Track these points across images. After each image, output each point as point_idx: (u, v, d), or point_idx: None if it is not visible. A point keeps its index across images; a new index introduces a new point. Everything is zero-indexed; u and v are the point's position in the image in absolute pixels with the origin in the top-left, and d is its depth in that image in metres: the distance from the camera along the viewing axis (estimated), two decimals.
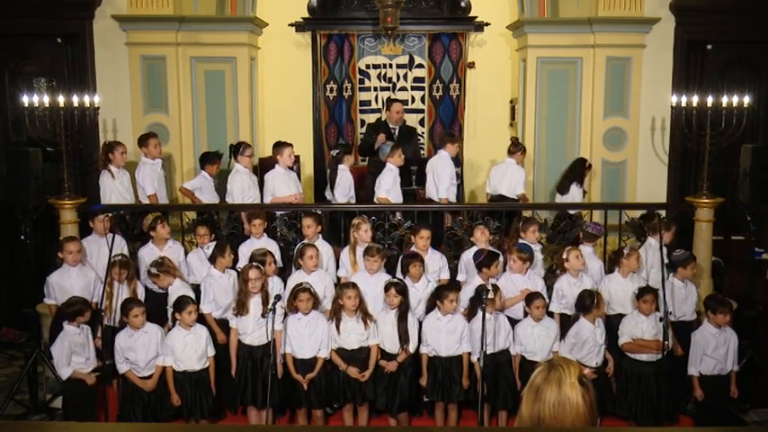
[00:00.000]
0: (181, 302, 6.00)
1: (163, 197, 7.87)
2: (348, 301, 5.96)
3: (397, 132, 8.80)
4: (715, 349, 6.04)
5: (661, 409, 6.05)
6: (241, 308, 6.08)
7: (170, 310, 6.27)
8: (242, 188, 7.66)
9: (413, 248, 6.70)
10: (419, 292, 6.30)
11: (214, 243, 6.64)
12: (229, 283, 6.38)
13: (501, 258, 6.56)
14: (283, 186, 7.68)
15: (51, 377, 6.45)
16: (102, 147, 7.85)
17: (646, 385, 6.07)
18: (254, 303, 6.08)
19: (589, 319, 6.02)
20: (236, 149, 7.86)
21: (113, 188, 7.57)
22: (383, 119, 9.09)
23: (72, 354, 5.90)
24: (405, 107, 9.79)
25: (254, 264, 6.19)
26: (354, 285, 6.06)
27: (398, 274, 6.51)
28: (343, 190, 7.85)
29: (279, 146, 7.80)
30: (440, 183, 7.71)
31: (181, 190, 7.98)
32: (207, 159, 7.94)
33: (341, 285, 6.21)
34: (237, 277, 6.33)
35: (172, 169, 8.64)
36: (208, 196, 7.84)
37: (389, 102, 9.04)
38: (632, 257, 6.47)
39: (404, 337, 6.01)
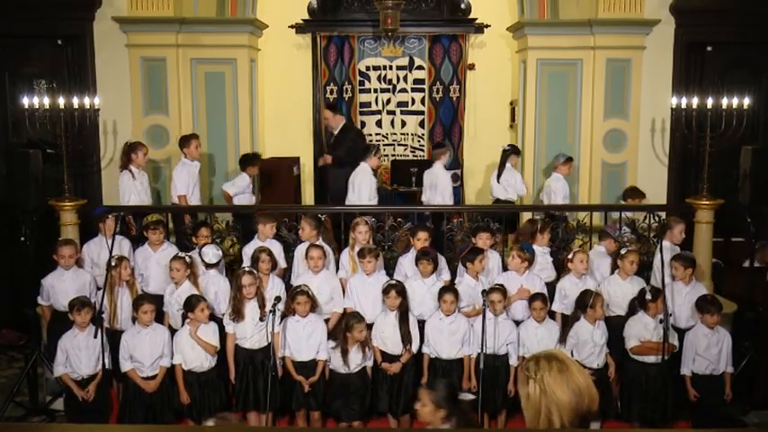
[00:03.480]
0: (192, 300, 5.99)
1: (197, 199, 7.96)
2: (358, 335, 5.88)
3: (333, 138, 8.85)
4: (707, 349, 6.05)
5: (668, 410, 6.04)
6: (237, 314, 6.05)
7: (179, 313, 6.25)
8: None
9: (412, 251, 6.70)
10: (426, 287, 6.27)
11: (205, 245, 6.57)
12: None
13: (486, 254, 6.54)
14: (368, 188, 7.89)
15: (51, 378, 6.45)
16: (123, 147, 7.91)
17: (653, 387, 6.05)
18: (251, 308, 6.06)
19: (588, 320, 6.02)
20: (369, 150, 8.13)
21: (133, 188, 7.65)
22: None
23: (67, 356, 5.93)
24: (405, 108, 9.85)
25: (246, 269, 6.16)
26: (362, 319, 5.98)
27: (408, 271, 6.51)
28: (514, 185, 8.17)
29: (371, 149, 8.16)
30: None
31: (225, 196, 8.13)
32: (248, 161, 8.10)
33: (350, 316, 6.05)
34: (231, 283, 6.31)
35: (171, 171, 8.62)
36: (246, 198, 8.00)
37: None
38: (626, 260, 6.46)
39: (406, 338, 6.01)
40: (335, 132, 8.78)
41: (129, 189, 7.63)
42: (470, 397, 4.39)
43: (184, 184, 7.82)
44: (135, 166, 7.70)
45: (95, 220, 6.95)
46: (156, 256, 6.75)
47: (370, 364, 6.04)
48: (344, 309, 6.39)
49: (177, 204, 7.90)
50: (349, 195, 7.95)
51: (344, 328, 5.93)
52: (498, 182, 8.36)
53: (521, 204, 8.57)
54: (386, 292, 6.05)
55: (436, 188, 8.14)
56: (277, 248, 6.80)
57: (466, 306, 6.25)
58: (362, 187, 7.83)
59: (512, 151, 8.39)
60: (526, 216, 8.15)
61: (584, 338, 6.01)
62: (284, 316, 6.04)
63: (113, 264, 6.27)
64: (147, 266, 6.75)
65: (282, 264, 6.83)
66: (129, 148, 7.76)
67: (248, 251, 6.70)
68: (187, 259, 6.38)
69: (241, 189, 8.05)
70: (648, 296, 6.08)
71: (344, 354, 5.90)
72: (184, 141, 7.93)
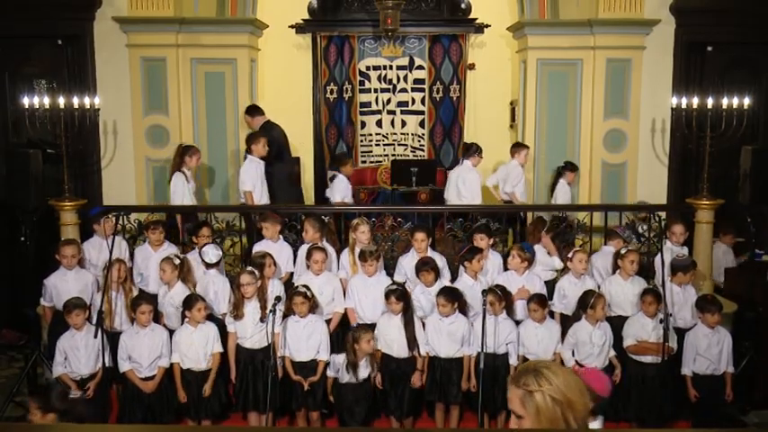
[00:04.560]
0: (190, 299, 6.00)
1: (266, 197, 8.00)
2: (366, 345, 5.84)
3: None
4: (707, 349, 6.04)
5: (665, 410, 6.04)
6: (236, 312, 6.05)
7: (174, 313, 6.28)
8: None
9: (412, 251, 6.70)
10: (433, 296, 6.20)
11: (205, 245, 6.58)
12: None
13: (485, 253, 6.54)
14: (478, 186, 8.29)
15: (51, 378, 6.44)
16: (176, 149, 7.96)
17: (651, 387, 6.05)
18: (253, 307, 6.05)
19: (589, 321, 6.01)
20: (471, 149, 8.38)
21: (185, 190, 7.69)
22: None
23: (65, 356, 5.93)
24: (405, 108, 9.84)
25: (246, 269, 6.16)
26: (369, 330, 5.95)
27: (409, 272, 6.52)
28: (564, 197, 8.38)
29: (473, 148, 8.49)
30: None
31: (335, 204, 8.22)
32: (340, 161, 8.29)
33: (356, 329, 6.02)
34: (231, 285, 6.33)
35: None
36: (342, 196, 8.13)
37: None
38: (626, 259, 6.45)
39: (413, 343, 5.98)
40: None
41: (182, 191, 7.67)
42: (77, 394, 4.72)
43: (251, 180, 7.83)
44: (187, 168, 7.75)
45: (91, 221, 6.95)
46: (156, 255, 6.74)
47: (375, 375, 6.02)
48: (345, 309, 6.39)
49: (177, 205, 7.90)
50: (462, 192, 8.18)
51: (352, 340, 5.87)
52: (552, 195, 8.54)
53: (522, 205, 8.56)
54: (386, 297, 6.02)
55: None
56: (286, 253, 6.79)
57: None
58: (474, 185, 8.15)
59: (567, 168, 8.44)
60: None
61: (582, 339, 6.00)
62: (285, 316, 6.04)
63: (115, 266, 6.27)
64: (147, 266, 6.75)
65: (290, 268, 6.81)
66: (182, 151, 7.81)
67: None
68: (176, 261, 6.38)
69: (343, 191, 8.17)
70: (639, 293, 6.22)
71: (354, 367, 5.87)
72: (253, 139, 7.97)
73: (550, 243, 6.92)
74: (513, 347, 6.06)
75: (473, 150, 8.45)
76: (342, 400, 5.98)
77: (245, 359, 6.06)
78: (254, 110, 8.56)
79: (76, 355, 5.92)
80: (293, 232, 7.30)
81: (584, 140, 8.71)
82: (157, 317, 6.28)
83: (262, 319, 5.99)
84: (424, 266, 6.31)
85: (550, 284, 6.66)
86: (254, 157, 7.90)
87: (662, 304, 5.99)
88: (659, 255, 6.53)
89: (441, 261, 6.70)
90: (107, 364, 5.93)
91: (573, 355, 6.04)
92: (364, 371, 5.92)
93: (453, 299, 6.02)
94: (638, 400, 6.06)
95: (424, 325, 6.12)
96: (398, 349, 6.01)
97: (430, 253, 6.68)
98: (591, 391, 3.90)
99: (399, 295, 5.99)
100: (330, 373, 5.99)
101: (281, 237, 6.91)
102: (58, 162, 7.59)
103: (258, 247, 6.74)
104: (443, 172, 9.34)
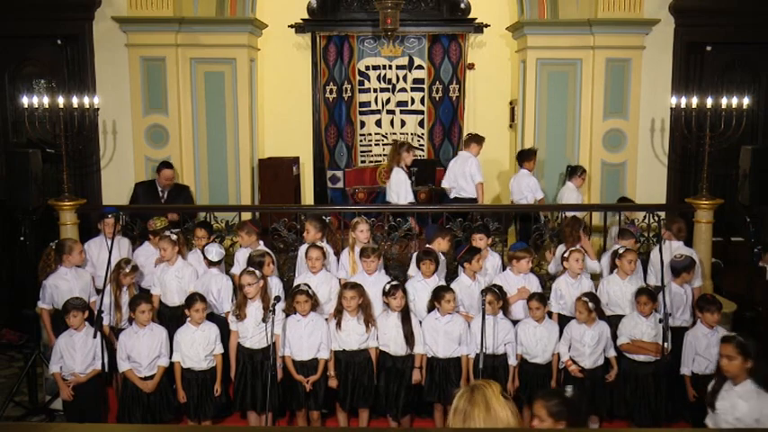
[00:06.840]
0: (191, 299, 6.01)
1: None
2: (345, 301, 5.94)
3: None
4: (706, 349, 6.03)
5: (660, 409, 6.04)
6: (239, 312, 6.06)
7: (179, 283, 6.42)
8: None
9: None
10: (429, 287, 6.24)
11: (207, 244, 6.61)
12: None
13: (483, 253, 6.54)
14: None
15: (50, 378, 6.45)
16: (392, 146, 8.46)
17: (644, 385, 6.05)
18: (255, 308, 6.05)
19: (587, 323, 6.00)
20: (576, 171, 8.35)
21: (408, 184, 8.20)
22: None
23: (61, 355, 5.93)
24: (405, 108, 9.85)
25: (248, 269, 6.18)
26: (354, 286, 6.03)
27: (411, 270, 6.56)
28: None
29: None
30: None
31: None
32: (525, 156, 8.34)
33: (342, 286, 6.17)
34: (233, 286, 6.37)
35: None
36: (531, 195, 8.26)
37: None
38: (624, 259, 6.46)
39: (411, 340, 5.99)
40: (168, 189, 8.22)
41: (406, 184, 8.12)
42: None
43: (479, 173, 8.29)
44: (404, 163, 8.17)
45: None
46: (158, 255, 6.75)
47: (373, 344, 6.03)
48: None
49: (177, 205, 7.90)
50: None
51: (339, 296, 6.02)
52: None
53: (521, 205, 8.56)
54: (390, 293, 5.99)
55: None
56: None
57: (462, 308, 6.24)
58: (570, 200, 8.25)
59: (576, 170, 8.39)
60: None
61: (575, 336, 6.02)
62: (285, 315, 6.04)
63: (127, 270, 6.29)
64: (148, 265, 6.76)
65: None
66: (399, 147, 8.28)
67: (239, 256, 6.78)
68: (173, 237, 6.47)
69: (536, 185, 8.28)
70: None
71: (338, 323, 5.95)
72: (477, 140, 8.41)
73: (589, 244, 6.84)
74: (512, 348, 6.05)
75: (577, 172, 8.25)
76: (342, 378, 6.02)
77: (244, 358, 6.06)
78: (169, 167, 8.22)
79: (72, 355, 5.91)
80: (293, 232, 7.31)
81: (583, 140, 8.71)
82: (160, 316, 6.29)
83: (264, 320, 5.98)
84: (427, 256, 6.33)
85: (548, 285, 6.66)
86: (471, 153, 8.36)
87: (657, 303, 6.00)
88: (654, 254, 6.54)
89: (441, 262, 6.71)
90: (106, 367, 5.92)
91: (569, 350, 6.05)
92: (355, 327, 5.94)
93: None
94: (631, 398, 6.08)
95: (420, 323, 6.12)
96: (395, 347, 6.02)
97: None
98: None
99: (405, 290, 6.03)
100: (323, 354, 6.02)
101: (260, 242, 6.90)
102: (57, 162, 7.59)
103: (239, 253, 6.80)
104: (443, 171, 9.35)
